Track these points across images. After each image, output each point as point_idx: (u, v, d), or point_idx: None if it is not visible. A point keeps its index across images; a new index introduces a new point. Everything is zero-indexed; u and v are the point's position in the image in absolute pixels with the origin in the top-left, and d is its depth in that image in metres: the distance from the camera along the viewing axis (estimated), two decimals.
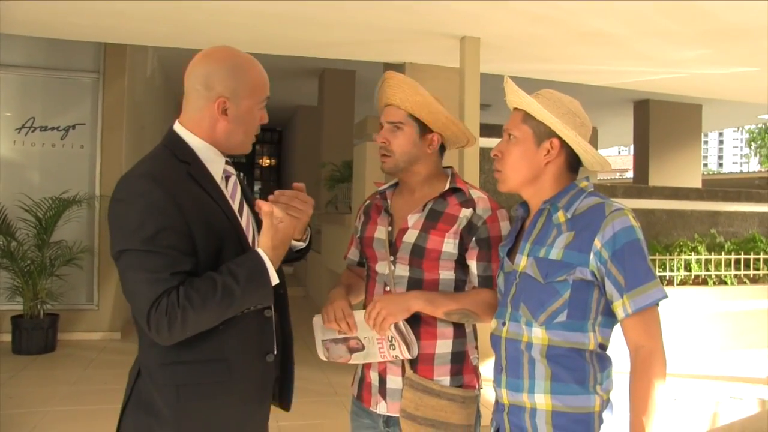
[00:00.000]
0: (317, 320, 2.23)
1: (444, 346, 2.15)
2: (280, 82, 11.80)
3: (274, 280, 1.75)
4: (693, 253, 7.00)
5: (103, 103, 7.37)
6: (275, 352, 1.88)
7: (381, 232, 2.25)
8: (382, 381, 2.19)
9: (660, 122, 12.84)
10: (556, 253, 1.77)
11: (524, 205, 1.97)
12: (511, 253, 1.93)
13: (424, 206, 2.21)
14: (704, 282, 6.98)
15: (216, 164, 1.84)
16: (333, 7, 4.88)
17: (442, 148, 2.28)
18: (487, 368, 2.16)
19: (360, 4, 4.82)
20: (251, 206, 1.95)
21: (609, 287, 1.72)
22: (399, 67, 6.37)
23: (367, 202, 2.41)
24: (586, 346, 1.76)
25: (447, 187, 2.23)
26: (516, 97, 1.90)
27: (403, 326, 2.08)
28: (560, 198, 1.84)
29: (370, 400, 2.22)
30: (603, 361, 1.80)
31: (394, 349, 2.10)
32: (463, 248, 2.15)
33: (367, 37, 5.64)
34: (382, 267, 2.23)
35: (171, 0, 4.82)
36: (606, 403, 1.79)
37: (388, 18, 5.09)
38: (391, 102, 2.22)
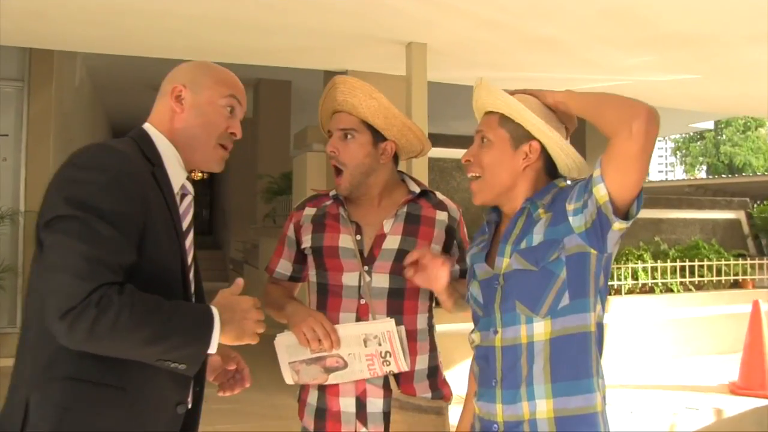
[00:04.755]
0: (281, 339, 2.03)
1: (422, 361, 2.07)
2: None
3: (213, 348, 1.52)
4: (639, 261, 6.99)
5: (29, 113, 7.00)
6: (188, 405, 1.62)
7: (347, 241, 2.09)
8: (361, 405, 2.01)
9: (595, 130, 12.91)
10: (538, 239, 1.67)
11: (497, 209, 1.85)
12: (488, 259, 1.80)
13: (397, 211, 2.08)
14: (651, 290, 6.97)
15: (177, 176, 1.64)
16: (273, 11, 4.67)
17: (395, 158, 2.14)
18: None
19: (301, 8, 4.63)
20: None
21: (588, 200, 1.59)
22: (335, 74, 6.15)
23: (310, 210, 2.20)
24: (588, 328, 1.66)
25: (416, 190, 2.13)
26: (492, 99, 1.77)
27: (402, 336, 1.99)
28: (542, 196, 1.73)
29: None
30: (600, 344, 1.71)
31: (388, 365, 1.98)
32: (444, 253, 2.08)
33: (308, 44, 5.42)
34: (350, 279, 2.07)
35: (100, 2, 4.51)
36: (604, 401, 1.70)
37: (330, 23, 4.89)
38: (342, 108, 2.07)
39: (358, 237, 2.08)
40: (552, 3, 4.50)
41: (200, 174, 18.32)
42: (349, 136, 2.07)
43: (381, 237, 2.07)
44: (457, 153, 4.98)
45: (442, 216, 2.13)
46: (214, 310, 1.52)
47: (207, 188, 18.55)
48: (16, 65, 7.02)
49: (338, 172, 2.09)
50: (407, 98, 5.45)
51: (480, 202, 1.80)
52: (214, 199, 18.09)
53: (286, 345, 2.02)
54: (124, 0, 4.44)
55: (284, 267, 2.24)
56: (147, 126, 1.67)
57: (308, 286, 2.19)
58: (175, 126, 1.64)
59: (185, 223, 1.66)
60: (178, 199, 1.64)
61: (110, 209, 1.41)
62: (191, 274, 1.67)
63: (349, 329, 1.98)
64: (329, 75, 6.90)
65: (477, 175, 1.78)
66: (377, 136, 2.07)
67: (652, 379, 6.00)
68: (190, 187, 1.70)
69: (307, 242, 2.15)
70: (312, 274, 2.15)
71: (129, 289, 1.38)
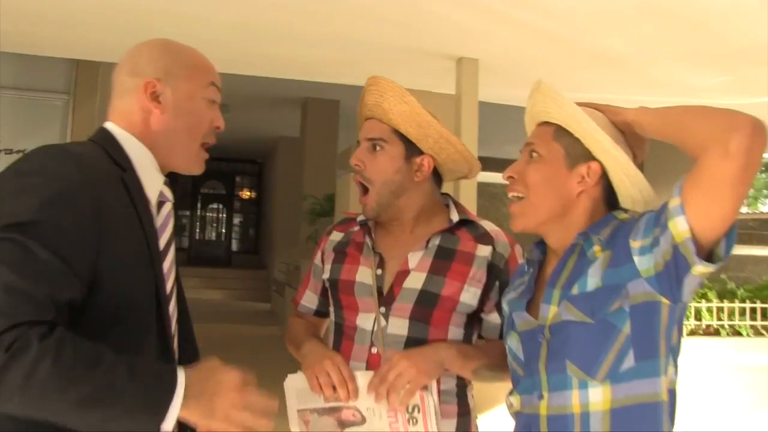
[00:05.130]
0: (292, 381, 1.72)
1: (448, 425, 1.72)
2: (262, 111, 11.49)
3: (168, 425, 1.15)
4: (703, 300, 6.47)
5: (73, 125, 6.92)
6: None
7: (365, 275, 1.77)
8: None
9: (656, 158, 12.42)
10: (594, 283, 1.36)
11: (540, 245, 1.56)
12: (530, 306, 1.49)
13: (428, 242, 1.76)
14: (716, 332, 6.44)
15: (153, 181, 1.40)
16: (314, 20, 4.39)
17: (438, 177, 1.85)
18: None
19: (344, 17, 4.34)
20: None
21: (660, 236, 1.27)
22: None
23: (337, 235, 1.91)
24: (659, 396, 1.35)
25: (455, 218, 1.79)
26: (553, 105, 1.46)
27: (432, 389, 1.62)
28: (599, 229, 1.42)
29: None
30: (672, 415, 1.40)
31: (415, 423, 1.63)
32: (482, 298, 1.74)
33: (351, 56, 5.14)
34: (365, 321, 1.75)
35: (140, 13, 4.36)
36: None
37: (375, 34, 4.59)
38: (372, 114, 1.77)
39: (379, 271, 1.76)
40: (615, 14, 4.11)
41: (248, 192, 18.37)
42: (377, 148, 1.76)
43: (403, 273, 1.74)
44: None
45: (484, 251, 1.76)
46: (180, 377, 1.17)
47: (254, 206, 18.46)
48: (63, 78, 6.99)
49: (364, 190, 1.78)
50: (456, 118, 5.14)
51: (520, 227, 1.48)
52: (261, 218, 17.98)
53: (296, 389, 1.72)
54: (155, 6, 4.23)
55: (310, 300, 1.96)
56: (111, 126, 1.41)
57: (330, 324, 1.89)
58: (152, 128, 1.40)
59: (163, 239, 1.40)
60: (154, 210, 1.39)
61: (54, 229, 1.13)
62: (171, 306, 1.36)
63: (370, 377, 1.64)
64: None
65: (520, 195, 1.47)
66: (411, 149, 1.76)
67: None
68: (168, 194, 1.45)
69: (326, 273, 1.86)
70: (331, 311, 1.85)
71: (58, 332, 1.07)
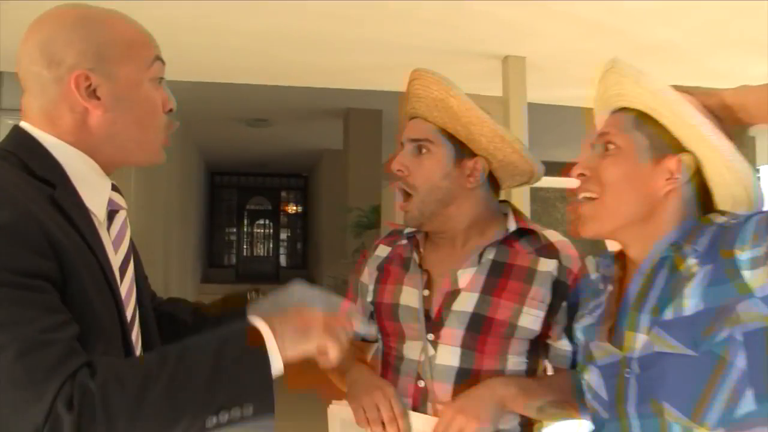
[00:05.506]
0: (337, 410, 1.57)
1: None
2: (304, 124, 11.34)
3: (277, 368, 1.07)
4: None
5: None
6: None
7: (411, 297, 1.58)
8: None
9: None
10: (693, 304, 1.10)
11: (609, 257, 1.31)
12: (610, 334, 1.23)
13: (480, 256, 1.55)
14: None
15: (95, 191, 1.16)
16: (353, 25, 4.21)
17: (493, 184, 1.63)
18: None
19: (385, 21, 4.15)
20: (137, 266, 1.26)
21: None
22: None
23: (381, 250, 1.73)
24: None
25: (511, 227, 1.58)
26: (635, 87, 1.20)
27: None
28: (693, 237, 1.15)
29: None
30: None
31: None
32: (548, 322, 1.51)
33: (393, 61, 4.92)
34: (411, 350, 1.57)
35: (163, 25, 4.13)
36: None
37: (415, 35, 4.38)
38: (416, 112, 1.56)
39: (426, 292, 1.54)
40: (669, 1, 3.84)
41: (294, 207, 18.32)
42: (422, 150, 1.56)
43: (452, 294, 1.53)
44: (561, 181, 4.44)
45: (546, 266, 1.53)
46: (258, 321, 1.10)
47: (301, 221, 18.42)
48: None
49: (406, 196, 1.59)
50: (504, 121, 4.87)
51: (592, 233, 1.23)
52: (308, 232, 17.92)
53: (341, 419, 1.57)
54: (177, 14, 4.05)
55: None
56: (29, 128, 1.14)
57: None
58: (93, 130, 1.14)
59: (120, 255, 1.18)
60: (102, 224, 1.16)
61: (29, 268, 0.95)
62: (134, 332, 1.19)
63: (424, 422, 1.44)
64: None
65: (592, 195, 1.22)
66: (461, 151, 1.56)
67: None
68: (120, 200, 1.21)
69: (370, 294, 1.66)
70: (378, 337, 1.67)
71: (104, 361, 0.97)
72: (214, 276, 15.86)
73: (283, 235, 18.98)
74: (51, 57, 1.11)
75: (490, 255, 1.55)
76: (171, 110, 1.24)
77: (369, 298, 1.66)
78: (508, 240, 1.57)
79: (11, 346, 0.89)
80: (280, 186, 18.17)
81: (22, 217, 0.96)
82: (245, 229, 18.78)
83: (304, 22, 4.17)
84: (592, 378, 1.26)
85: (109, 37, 1.14)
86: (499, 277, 1.53)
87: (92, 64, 1.11)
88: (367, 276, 1.72)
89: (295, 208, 18.66)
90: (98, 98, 1.12)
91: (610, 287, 1.28)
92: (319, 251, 14.87)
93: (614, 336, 1.22)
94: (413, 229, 1.65)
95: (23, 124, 1.15)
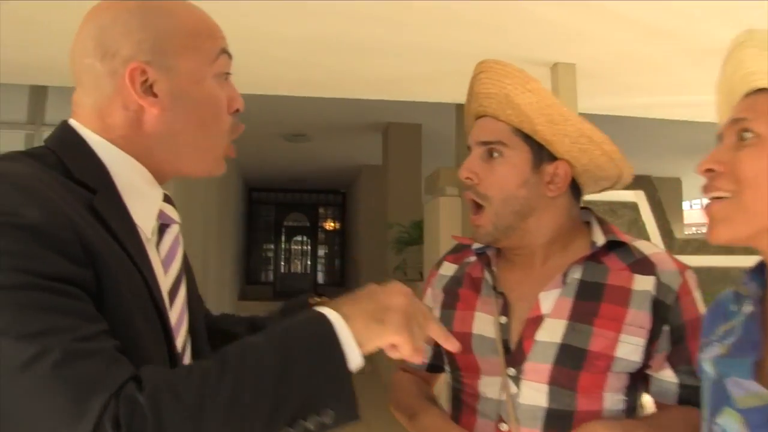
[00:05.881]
0: None
1: None
2: (342, 140, 11.28)
3: (356, 361, 0.90)
4: None
5: None
6: None
7: (486, 325, 1.37)
8: None
9: None
10: None
11: (759, 274, 1.07)
12: (757, 371, 0.98)
13: (565, 275, 1.33)
14: None
15: (144, 201, 1.02)
16: (395, 31, 4.04)
17: (575, 190, 1.42)
18: None
19: (429, 26, 3.97)
20: (190, 285, 1.10)
21: None
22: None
23: (448, 268, 1.52)
24: None
25: (599, 240, 1.35)
26: None
27: None
28: None
29: None
30: None
31: None
32: (648, 350, 1.28)
33: (437, 70, 4.77)
34: (489, 387, 1.35)
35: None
36: None
37: (459, 41, 4.19)
38: (485, 110, 1.36)
39: (504, 319, 1.34)
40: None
41: (332, 223, 18.20)
42: (495, 154, 1.37)
43: (535, 321, 1.32)
44: (609, 195, 4.21)
45: (644, 284, 1.31)
46: (328, 313, 0.92)
47: (339, 237, 18.30)
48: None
49: (477, 208, 1.40)
50: None
51: (726, 238, 1.02)
52: (346, 249, 17.78)
53: None
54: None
55: None
56: (76, 126, 1.02)
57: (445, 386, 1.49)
58: (147, 131, 1.01)
59: (170, 275, 1.04)
60: (149, 239, 1.02)
61: (56, 272, 0.81)
62: (186, 360, 1.05)
63: None
64: (461, 111, 6.37)
65: (725, 194, 1.01)
66: (541, 154, 1.37)
67: None
68: (172, 213, 1.08)
69: None
70: (446, 369, 1.47)
71: (156, 373, 0.82)
72: (252, 293, 15.80)
73: (321, 252, 18.85)
74: (105, 48, 0.99)
75: (576, 274, 1.34)
76: (237, 110, 1.09)
77: None
78: (595, 255, 1.36)
79: (47, 356, 0.75)
80: (318, 202, 18.09)
81: (54, 218, 0.84)
82: (283, 246, 18.72)
83: (350, 28, 4.03)
84: (730, 425, 1.02)
85: (170, 26, 1.02)
86: (590, 300, 1.31)
87: (150, 57, 0.99)
88: (431, 298, 1.53)
89: (333, 224, 18.55)
90: (155, 95, 1.00)
91: (749, 308, 1.06)
92: (357, 268, 14.74)
93: (762, 373, 0.98)
94: (482, 246, 1.46)
95: (71, 121, 1.03)
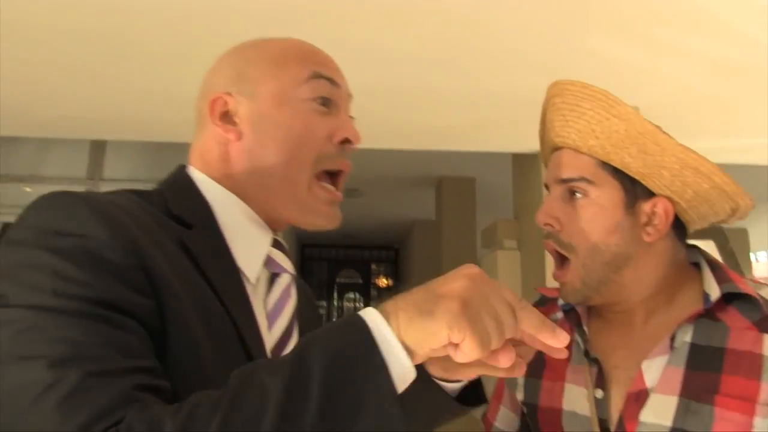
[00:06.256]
0: None
1: None
2: (395, 195, 11.19)
3: (403, 370, 0.69)
4: None
5: None
6: None
7: (578, 400, 1.13)
8: None
9: None
10: None
11: None
12: None
13: (673, 338, 1.08)
14: None
15: (248, 241, 0.94)
16: (452, 75, 3.88)
17: (680, 230, 1.19)
18: None
19: (490, 69, 3.81)
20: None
21: None
22: (533, 158, 5.28)
23: None
24: None
25: (714, 292, 1.09)
26: None
27: None
28: None
29: None
30: None
31: None
32: None
33: (496, 117, 4.60)
34: None
35: None
36: None
37: (523, 86, 4.00)
38: (563, 141, 1.16)
39: (600, 393, 1.10)
40: None
41: (385, 280, 18.01)
42: (578, 194, 1.16)
43: (639, 396, 1.07)
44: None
45: None
46: (366, 316, 0.74)
47: (392, 294, 18.12)
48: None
49: (561, 260, 1.18)
50: None
51: None
52: None
53: None
54: None
55: (506, 420, 1.30)
56: (188, 167, 1.02)
57: None
58: (233, 163, 0.97)
59: (274, 332, 0.92)
60: (262, 286, 0.95)
61: (101, 295, 0.74)
62: None
63: None
64: (519, 160, 6.22)
65: None
66: (634, 191, 1.15)
67: None
68: (284, 261, 0.99)
69: (520, 390, 1.24)
70: None
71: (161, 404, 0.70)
72: None
73: None
74: (205, 89, 1.02)
75: (686, 336, 1.09)
76: (347, 141, 1.00)
77: (520, 396, 1.25)
78: (710, 311, 1.10)
79: (59, 386, 0.67)
80: (371, 258, 18.03)
81: (120, 241, 0.78)
82: (335, 303, 18.61)
83: (395, 73, 3.90)
84: None
85: (254, 55, 1.00)
86: (706, 371, 1.04)
87: (233, 87, 0.98)
88: None
89: (385, 281, 18.41)
90: (235, 124, 0.97)
91: None
92: None
93: None
94: (567, 302, 1.24)
95: (186, 165, 1.03)
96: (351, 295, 18.79)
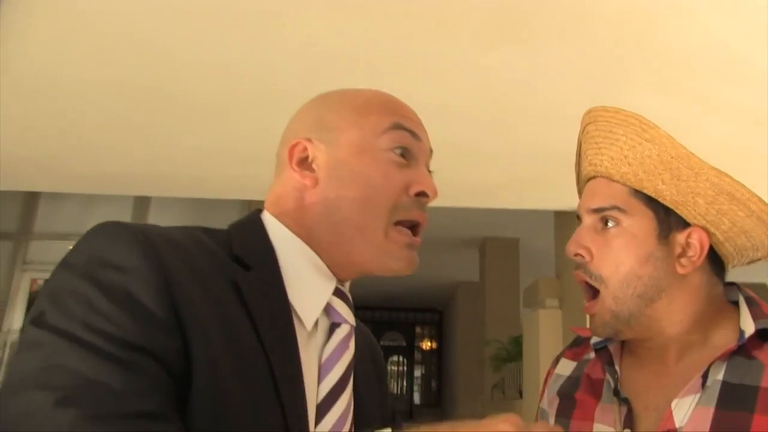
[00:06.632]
0: None
1: None
2: (440, 257, 11.11)
3: None
4: None
5: None
6: None
7: None
8: None
9: None
10: None
11: None
12: None
13: (705, 377, 1.03)
14: None
15: (310, 287, 0.92)
16: (491, 134, 3.99)
17: (716, 263, 1.13)
18: None
19: (534, 125, 3.88)
20: (369, 407, 0.98)
21: None
22: (575, 215, 5.29)
23: (565, 367, 1.27)
24: None
25: (748, 328, 1.04)
26: None
27: None
28: None
29: None
30: None
31: None
32: None
33: (536, 173, 4.64)
34: None
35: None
36: None
37: (564, 141, 4.04)
38: (597, 170, 1.14)
39: None
40: None
41: (429, 342, 17.86)
42: (610, 223, 1.11)
43: None
44: None
45: None
46: None
47: (435, 357, 17.93)
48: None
49: (591, 292, 1.14)
50: None
51: None
52: (443, 369, 17.36)
53: None
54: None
55: None
56: (263, 213, 0.99)
57: None
58: (308, 209, 0.94)
59: (324, 385, 0.90)
60: (320, 335, 0.92)
61: (127, 337, 0.74)
62: None
63: None
64: (561, 218, 6.23)
65: None
66: (668, 220, 1.10)
67: None
68: (344, 311, 0.95)
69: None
70: None
71: None
72: None
73: (417, 372, 18.45)
74: (285, 135, 1.01)
75: (718, 374, 1.03)
76: (423, 194, 0.97)
77: None
78: (744, 348, 1.03)
79: (51, 425, 0.67)
80: (415, 321, 17.92)
81: (156, 277, 0.76)
82: None
83: (448, 130, 3.95)
84: None
85: (337, 102, 0.99)
86: (737, 410, 0.99)
87: (313, 134, 0.96)
88: (547, 403, 1.27)
89: (429, 344, 18.24)
90: (312, 170, 0.95)
91: None
92: (454, 388, 14.32)
93: None
94: (601, 341, 1.19)
95: (262, 210, 1.01)
96: (395, 357, 18.65)
